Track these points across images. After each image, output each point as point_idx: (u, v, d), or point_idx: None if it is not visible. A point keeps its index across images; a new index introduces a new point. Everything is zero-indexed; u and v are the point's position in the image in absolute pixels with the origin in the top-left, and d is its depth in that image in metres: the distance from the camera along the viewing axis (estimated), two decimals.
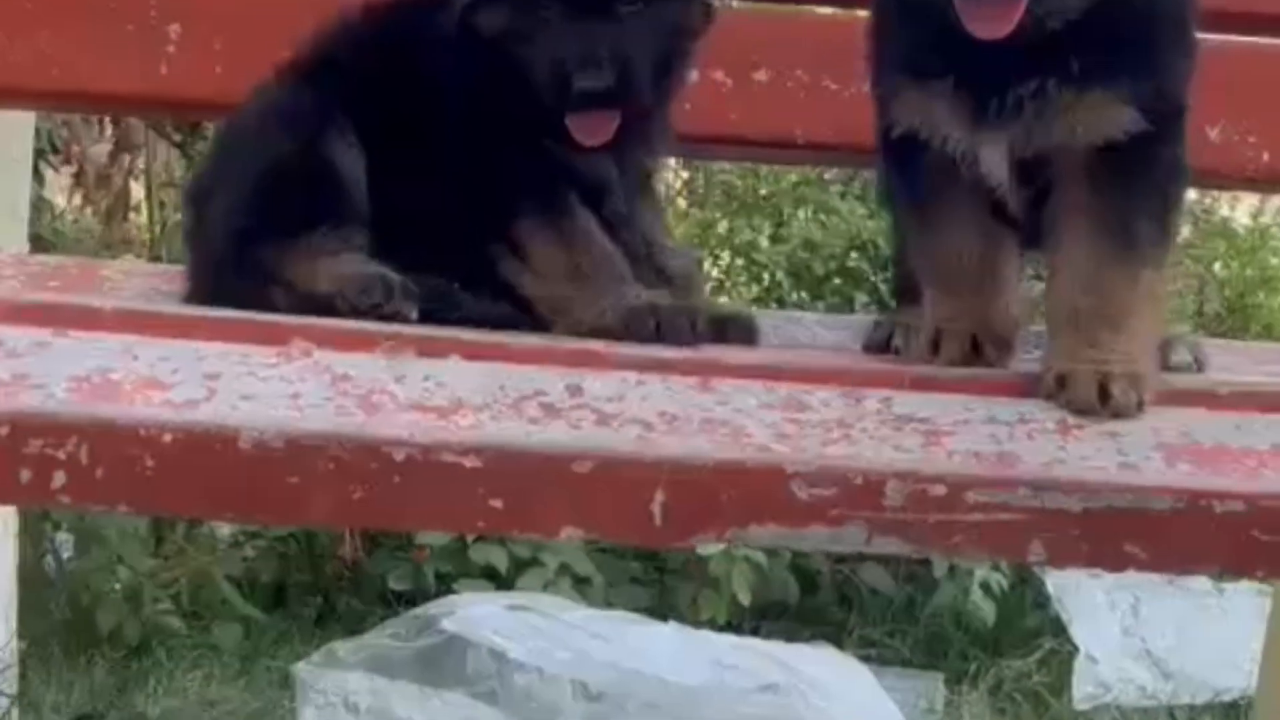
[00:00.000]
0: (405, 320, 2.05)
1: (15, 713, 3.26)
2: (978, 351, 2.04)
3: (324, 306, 2.07)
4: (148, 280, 2.37)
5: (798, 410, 1.86)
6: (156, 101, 2.69)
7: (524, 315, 2.14)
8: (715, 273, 5.31)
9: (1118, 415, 1.89)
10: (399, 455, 1.71)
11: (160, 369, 1.80)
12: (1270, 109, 2.76)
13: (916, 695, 4.04)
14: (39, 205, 4.27)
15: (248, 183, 2.17)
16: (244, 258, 2.13)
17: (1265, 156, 2.76)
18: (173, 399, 1.74)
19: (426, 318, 2.10)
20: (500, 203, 2.14)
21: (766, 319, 2.59)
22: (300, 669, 3.32)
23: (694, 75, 2.62)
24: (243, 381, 1.79)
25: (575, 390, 1.85)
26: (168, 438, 1.70)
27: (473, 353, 1.95)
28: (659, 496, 1.74)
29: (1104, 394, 1.89)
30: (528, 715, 3.37)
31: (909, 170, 2.07)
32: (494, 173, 2.14)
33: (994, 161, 1.98)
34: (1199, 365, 2.31)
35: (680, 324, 2.06)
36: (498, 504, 1.73)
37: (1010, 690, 4.13)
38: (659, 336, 2.05)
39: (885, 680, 3.96)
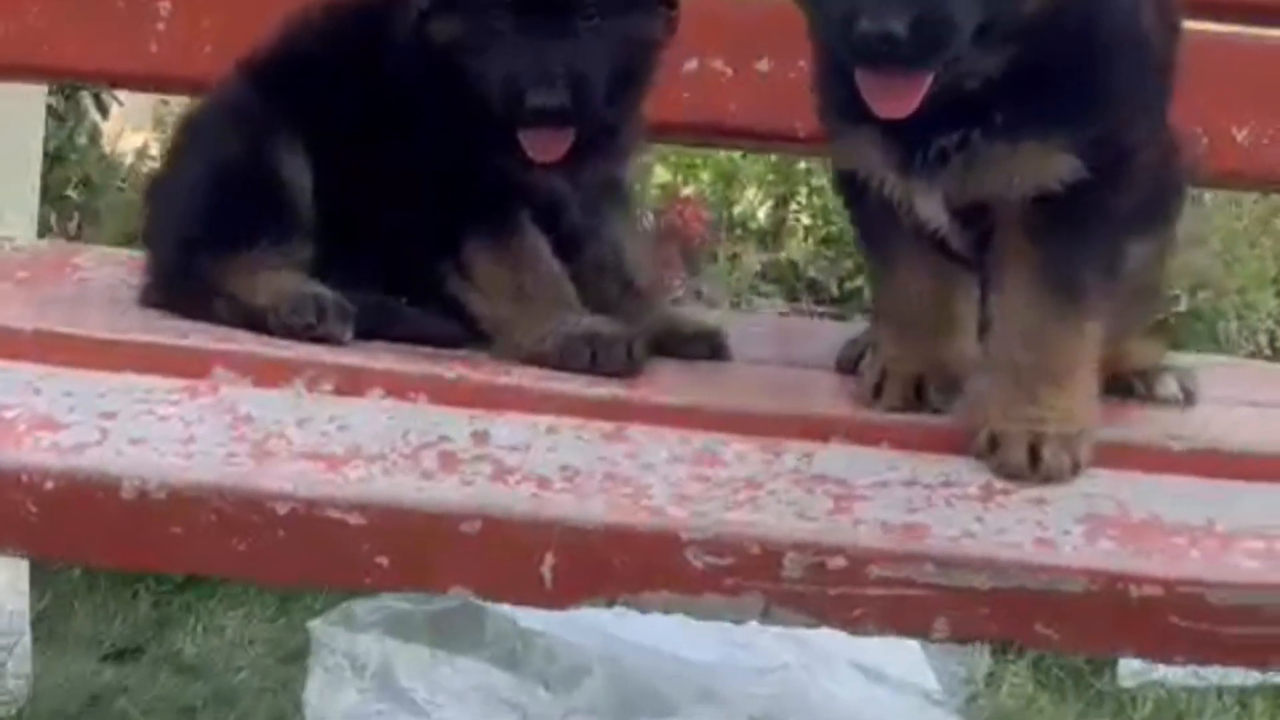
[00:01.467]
0: (337, 342, 2.01)
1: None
2: (921, 395, 1.96)
3: (260, 322, 2.04)
4: (117, 271, 2.36)
5: (709, 465, 1.80)
6: (146, 79, 2.67)
7: (469, 333, 2.09)
8: (792, 208, 5.21)
9: (1049, 480, 1.81)
10: (282, 509, 1.68)
11: (58, 406, 1.78)
12: None
13: (958, 664, 3.97)
14: (94, 135, 4.28)
15: (194, 190, 2.14)
16: (188, 266, 2.11)
17: None
18: (62, 442, 1.73)
19: (370, 334, 2.07)
20: (448, 218, 2.09)
21: (759, 324, 2.54)
22: (315, 627, 3.33)
23: (693, 64, 2.55)
24: (138, 422, 1.77)
25: (481, 438, 1.81)
26: (50, 484, 1.68)
27: (396, 387, 1.91)
28: (549, 559, 1.69)
29: (1035, 457, 1.81)
30: (547, 682, 3.35)
31: (858, 207, 2.00)
32: (442, 186, 2.09)
33: (931, 207, 1.90)
34: (1187, 397, 2.22)
35: (616, 353, 2.01)
36: (384, 561, 1.70)
37: (1053, 664, 4.05)
38: (594, 366, 2.00)
39: (928, 649, 3.89)
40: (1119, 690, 3.99)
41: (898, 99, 1.77)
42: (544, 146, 2.08)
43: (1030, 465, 1.81)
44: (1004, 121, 1.83)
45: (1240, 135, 2.61)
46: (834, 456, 1.84)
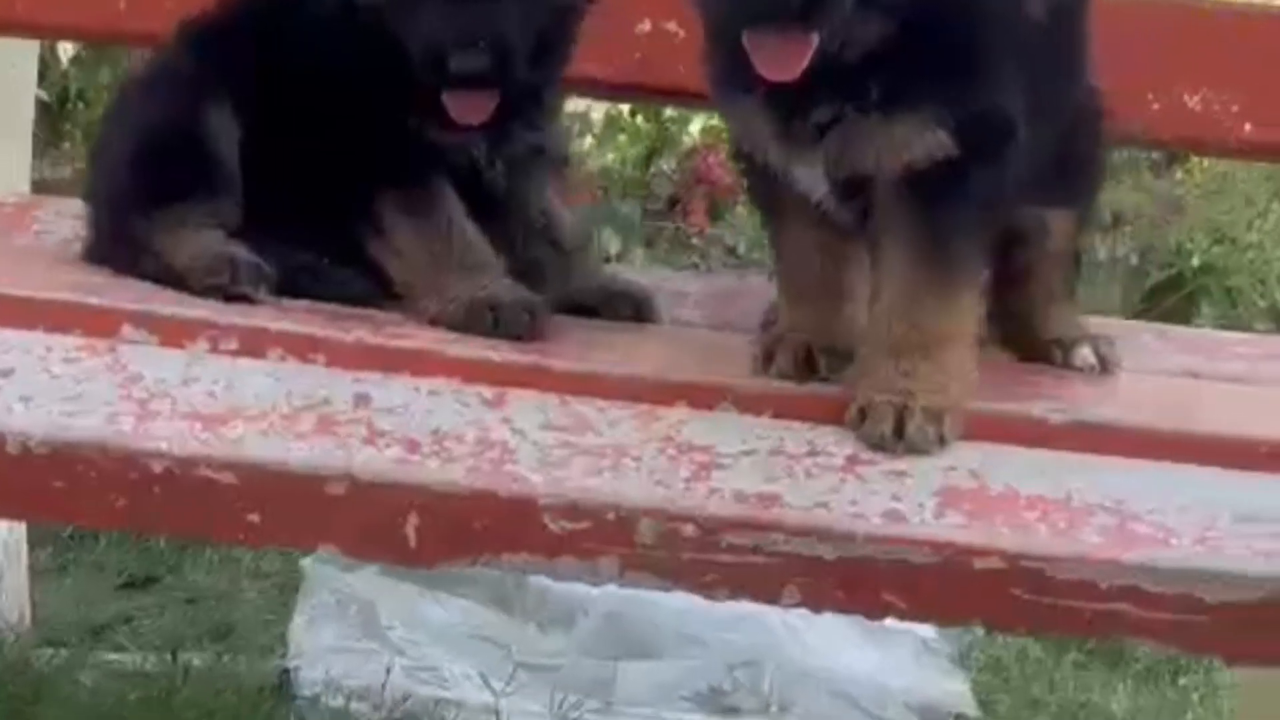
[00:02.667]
0: (250, 301, 2.09)
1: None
2: (811, 364, 2.01)
3: (181, 281, 2.12)
4: (74, 224, 2.43)
5: (579, 433, 1.85)
6: (112, 34, 2.74)
7: (387, 294, 2.15)
8: None
9: (914, 452, 1.85)
10: (157, 467, 1.76)
11: None
12: (1254, 77, 2.62)
13: None
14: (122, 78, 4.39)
15: (126, 149, 2.22)
16: (119, 224, 2.19)
17: (1247, 127, 2.62)
18: None
19: (293, 293, 2.14)
20: (365, 179, 2.15)
21: (705, 285, 2.58)
22: (307, 565, 3.42)
23: (646, 26, 2.59)
24: (33, 379, 1.85)
25: (362, 400, 1.87)
26: None
27: (296, 347, 1.98)
28: (412, 521, 1.76)
29: (900, 429, 1.85)
30: (540, 623, 3.41)
31: (750, 177, 2.04)
32: (360, 148, 2.15)
33: (809, 180, 1.93)
34: (1104, 366, 2.24)
35: (517, 317, 2.07)
36: (255, 518, 1.77)
37: None
38: (496, 330, 2.06)
39: None
40: (1116, 642, 3.99)
41: (785, 62, 1.80)
42: (467, 109, 2.14)
43: (895, 437, 1.85)
44: (878, 97, 1.86)
45: (1192, 101, 2.62)
46: (706, 425, 1.89)
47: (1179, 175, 4.56)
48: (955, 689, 3.50)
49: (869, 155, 1.88)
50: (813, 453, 1.85)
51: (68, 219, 2.49)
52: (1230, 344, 2.51)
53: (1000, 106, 1.90)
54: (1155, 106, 2.61)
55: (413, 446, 1.80)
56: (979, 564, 1.73)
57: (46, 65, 3.14)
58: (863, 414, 1.88)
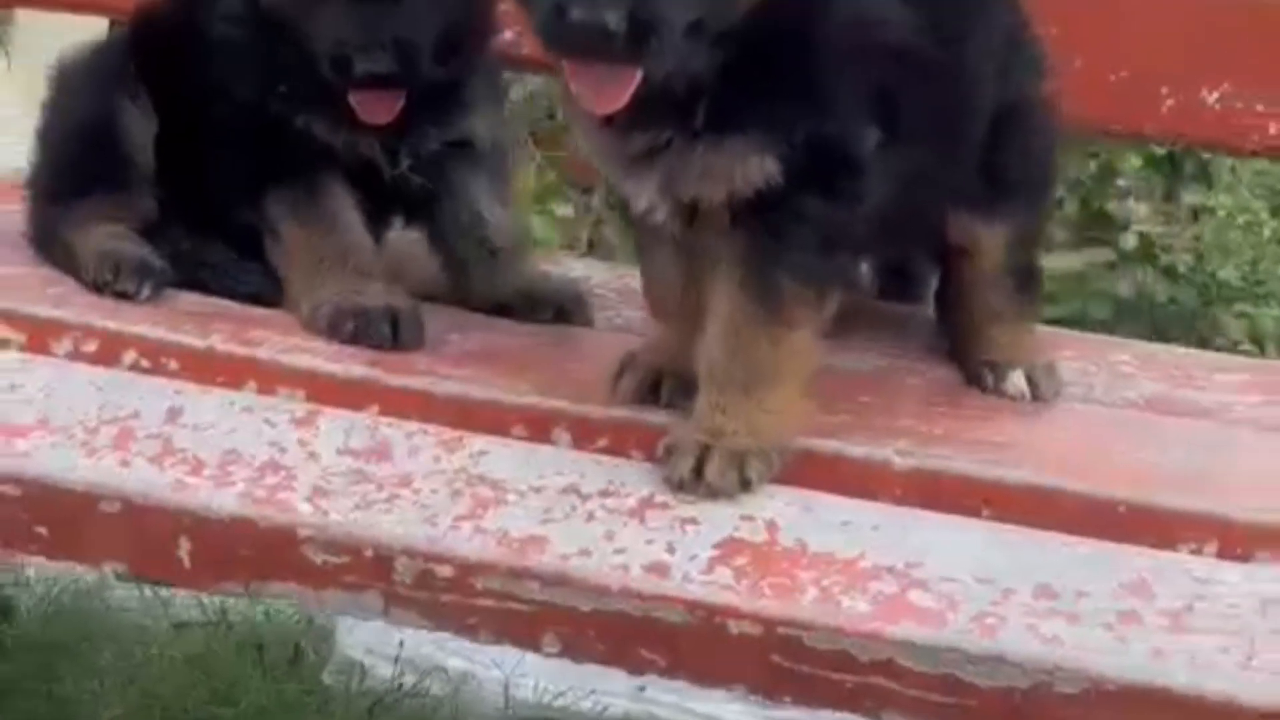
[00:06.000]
0: (133, 298, 2.11)
1: None
2: (657, 390, 1.93)
3: (79, 275, 2.15)
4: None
5: (375, 459, 1.82)
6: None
7: (281, 292, 2.15)
8: None
9: (715, 496, 1.76)
10: None
11: None
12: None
13: None
14: None
15: (48, 140, 2.26)
16: (37, 214, 2.24)
17: (1272, 128, 2.40)
18: None
19: (197, 288, 2.15)
20: (257, 178, 2.14)
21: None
22: None
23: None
24: None
25: (173, 414, 1.87)
26: None
27: (151, 352, 1.99)
28: (184, 544, 1.76)
29: (700, 470, 1.76)
30: None
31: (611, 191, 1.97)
32: (250, 147, 2.14)
33: (643, 202, 1.84)
34: (1036, 393, 2.11)
35: (377, 328, 2.03)
36: (43, 531, 1.80)
37: None
38: (356, 339, 2.03)
39: None
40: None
41: (607, 94, 1.73)
42: (374, 109, 2.12)
43: (695, 478, 1.76)
44: (706, 123, 1.77)
45: (1211, 99, 2.41)
46: (511, 455, 1.83)
47: None
48: None
49: (692, 183, 1.79)
50: (607, 492, 1.78)
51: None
52: (1225, 369, 2.30)
53: (837, 137, 1.77)
54: (1169, 103, 2.41)
55: (197, 468, 1.79)
56: (734, 628, 1.64)
57: None
58: (668, 451, 1.79)
